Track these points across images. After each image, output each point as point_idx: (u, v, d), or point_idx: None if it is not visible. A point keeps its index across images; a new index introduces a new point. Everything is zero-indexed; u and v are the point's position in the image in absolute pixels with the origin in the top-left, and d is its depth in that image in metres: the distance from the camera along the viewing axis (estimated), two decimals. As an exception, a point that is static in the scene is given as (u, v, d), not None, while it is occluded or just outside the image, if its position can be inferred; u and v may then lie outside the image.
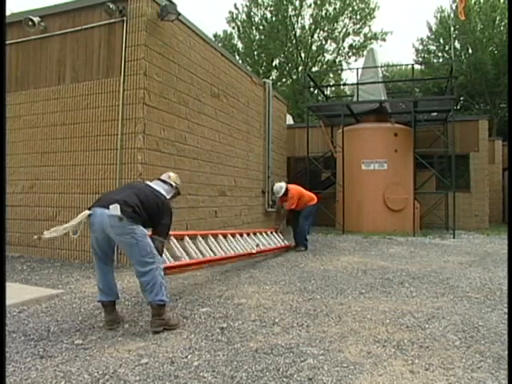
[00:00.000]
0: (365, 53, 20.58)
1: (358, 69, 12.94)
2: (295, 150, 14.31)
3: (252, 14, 27.50)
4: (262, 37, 27.25)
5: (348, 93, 21.45)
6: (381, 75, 13.84)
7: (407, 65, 25.80)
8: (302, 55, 27.48)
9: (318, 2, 26.08)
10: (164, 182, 3.72)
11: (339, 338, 3.08)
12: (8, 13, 6.70)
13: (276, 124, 11.29)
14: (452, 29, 18.61)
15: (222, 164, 8.27)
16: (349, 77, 34.24)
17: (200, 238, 5.17)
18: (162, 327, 3.20)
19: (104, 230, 3.15)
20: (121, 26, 6.07)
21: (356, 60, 28.30)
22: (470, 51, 22.89)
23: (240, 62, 24.27)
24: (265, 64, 28.63)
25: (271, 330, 3.27)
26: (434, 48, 25.61)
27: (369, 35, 27.34)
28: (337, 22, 26.82)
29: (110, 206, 3.09)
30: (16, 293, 4.12)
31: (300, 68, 27.39)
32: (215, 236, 5.57)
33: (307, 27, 27.04)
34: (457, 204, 11.07)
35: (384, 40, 27.44)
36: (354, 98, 12.82)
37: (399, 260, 6.71)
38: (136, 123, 5.94)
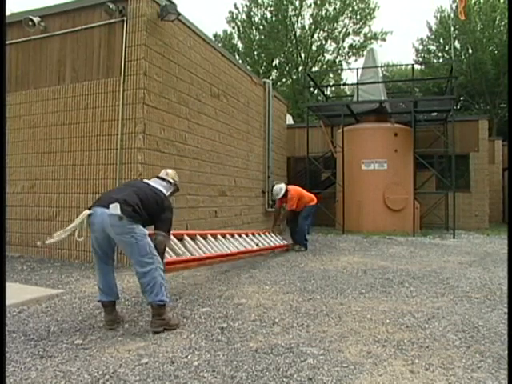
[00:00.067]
0: (365, 53, 20.57)
1: (358, 69, 12.94)
2: (295, 150, 14.31)
3: (252, 13, 27.51)
4: (262, 37, 27.25)
5: (348, 93, 21.46)
6: (381, 75, 13.84)
7: (407, 65, 25.85)
8: (302, 55, 27.48)
9: (318, 2, 26.08)
10: (162, 179, 3.73)
11: (339, 338, 3.08)
12: (8, 13, 6.70)
13: (276, 124, 11.29)
14: (452, 29, 18.61)
15: (222, 164, 8.27)
16: (349, 77, 34.32)
17: (199, 238, 5.17)
18: (162, 327, 3.20)
19: (104, 229, 3.15)
20: (121, 26, 6.07)
21: (356, 60, 28.36)
22: (470, 51, 22.88)
23: (240, 61, 24.27)
24: (265, 64, 28.63)
25: (271, 329, 3.27)
26: (434, 48, 25.61)
27: (369, 35, 27.35)
28: (337, 22, 26.82)
29: (110, 206, 3.10)
30: (16, 293, 4.12)
31: (300, 68, 27.39)
32: (214, 236, 5.57)
33: (307, 27, 27.05)
34: (457, 204, 11.07)
35: (384, 40, 27.47)
36: (354, 98, 12.81)
37: (399, 260, 6.71)
38: (136, 123, 5.94)
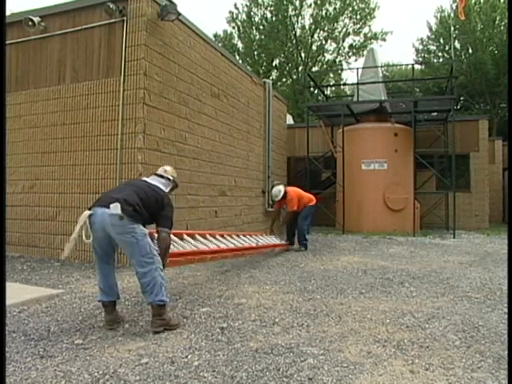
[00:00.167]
0: (365, 53, 20.57)
1: (358, 69, 12.95)
2: (295, 150, 14.31)
3: (252, 13, 27.50)
4: (262, 37, 27.25)
5: (348, 93, 21.45)
6: (381, 75, 13.84)
7: (407, 65, 25.84)
8: (302, 55, 27.48)
9: (318, 2, 26.08)
10: (161, 176, 3.73)
11: (339, 338, 3.08)
12: (8, 13, 6.70)
13: (276, 124, 11.29)
14: (452, 29, 18.62)
15: (222, 164, 8.27)
16: (349, 77, 34.35)
17: (199, 237, 5.17)
18: (162, 327, 3.20)
19: (105, 229, 3.15)
20: (121, 26, 6.07)
21: (356, 60, 28.35)
22: (470, 51, 22.88)
23: (240, 61, 24.27)
24: (265, 64, 28.62)
25: (271, 329, 3.28)
26: (434, 48, 25.60)
27: (369, 35, 27.34)
28: (337, 22, 26.81)
29: (111, 205, 3.10)
30: (16, 293, 4.13)
31: (300, 68, 27.38)
32: (213, 236, 5.56)
33: (307, 27, 27.04)
34: (457, 204, 11.07)
35: (384, 40, 27.47)
36: (354, 98, 12.81)
37: (399, 260, 6.71)
38: (136, 123, 5.94)
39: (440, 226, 12.49)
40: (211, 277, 5.32)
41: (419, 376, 2.47)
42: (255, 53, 28.18)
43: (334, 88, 28.08)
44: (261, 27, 27.21)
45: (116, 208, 3.08)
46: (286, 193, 7.68)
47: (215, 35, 28.67)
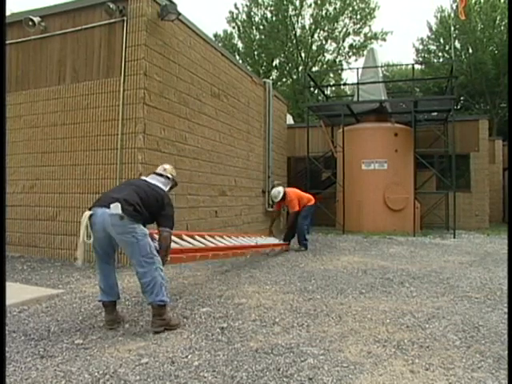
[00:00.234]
0: (365, 53, 20.56)
1: (358, 69, 12.94)
2: (295, 150, 14.31)
3: (252, 13, 27.50)
4: (262, 37, 27.24)
5: (348, 93, 21.43)
6: (381, 75, 13.83)
7: (407, 65, 25.83)
8: (302, 55, 27.48)
9: (319, 2, 26.07)
10: (160, 175, 3.73)
11: (339, 338, 3.08)
12: (8, 13, 6.70)
13: (276, 124, 11.30)
14: (452, 29, 18.61)
15: (222, 164, 8.27)
16: (349, 77, 34.39)
17: (198, 238, 5.17)
18: (162, 327, 3.20)
19: (105, 229, 3.15)
20: (121, 26, 6.07)
21: (356, 60, 28.34)
22: (470, 51, 22.88)
23: (240, 61, 24.28)
24: (265, 64, 28.62)
25: (271, 329, 3.28)
26: (434, 48, 25.59)
27: (369, 35, 27.34)
28: (337, 22, 26.81)
29: (111, 205, 3.10)
30: (16, 293, 4.13)
31: (300, 68, 27.38)
32: (212, 237, 5.56)
33: (307, 27, 27.04)
34: (457, 204, 11.07)
35: (384, 40, 27.46)
36: (355, 98, 12.81)
37: (399, 260, 6.71)
38: (136, 123, 5.94)
39: (440, 225, 12.49)
40: (211, 277, 5.32)
41: (419, 376, 2.47)
42: (255, 53, 28.18)
43: (334, 88, 28.06)
44: (261, 27, 27.21)
45: (116, 208, 3.08)
46: (285, 194, 7.69)
47: (215, 35, 28.67)
